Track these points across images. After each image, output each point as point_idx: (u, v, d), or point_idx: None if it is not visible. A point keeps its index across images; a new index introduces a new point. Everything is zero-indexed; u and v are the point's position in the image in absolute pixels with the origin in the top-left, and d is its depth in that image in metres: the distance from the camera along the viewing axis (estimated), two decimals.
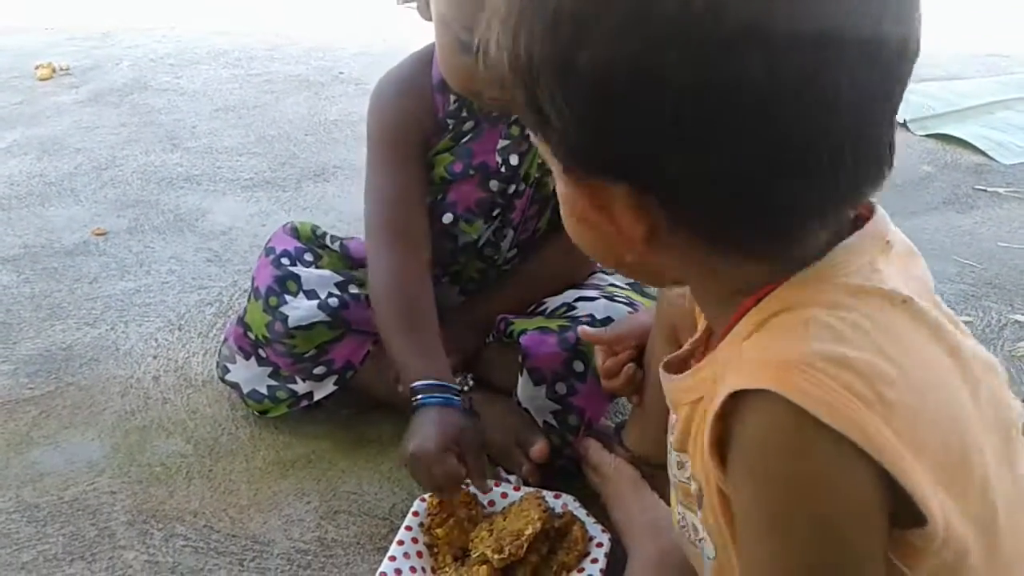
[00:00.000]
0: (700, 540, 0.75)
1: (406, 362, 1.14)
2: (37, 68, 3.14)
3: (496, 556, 0.98)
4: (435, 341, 1.16)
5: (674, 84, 0.51)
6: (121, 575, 1.08)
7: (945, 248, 1.86)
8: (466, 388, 1.27)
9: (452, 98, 1.21)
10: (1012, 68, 3.14)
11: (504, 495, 1.10)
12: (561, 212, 0.66)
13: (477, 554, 1.00)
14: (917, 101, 2.65)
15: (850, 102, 0.52)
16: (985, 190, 2.17)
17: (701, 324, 0.77)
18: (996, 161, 2.34)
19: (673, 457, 0.75)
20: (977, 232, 1.95)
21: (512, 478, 1.17)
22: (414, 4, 1.14)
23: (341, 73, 3.16)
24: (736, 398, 0.55)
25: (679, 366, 0.74)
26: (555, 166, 0.62)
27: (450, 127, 1.23)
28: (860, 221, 0.62)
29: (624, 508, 1.05)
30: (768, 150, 0.52)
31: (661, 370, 0.74)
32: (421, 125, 1.22)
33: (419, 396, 1.09)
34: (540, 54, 0.54)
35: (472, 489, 1.09)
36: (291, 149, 2.46)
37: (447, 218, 1.27)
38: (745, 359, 0.57)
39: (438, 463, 1.03)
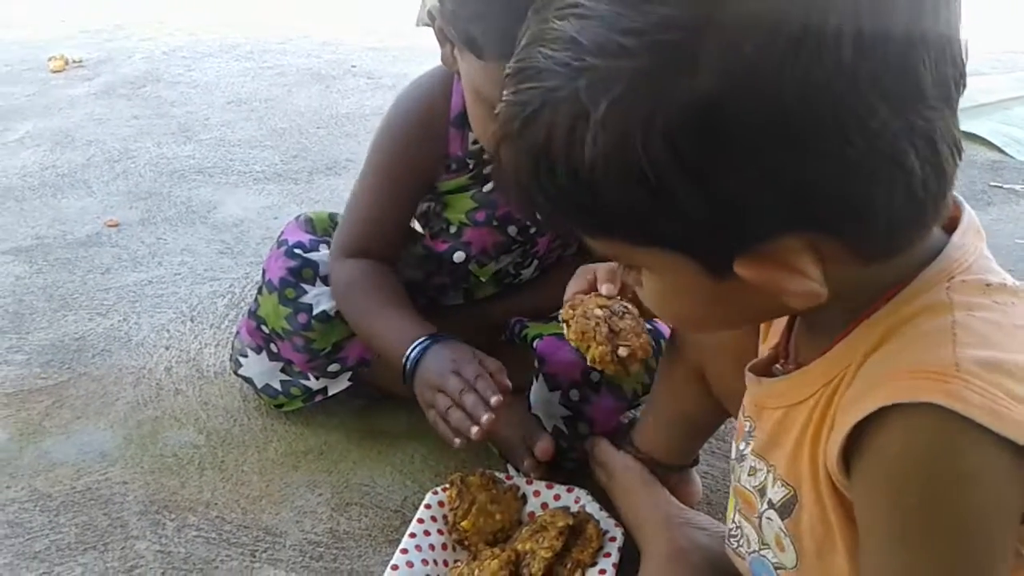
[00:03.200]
0: (753, 553, 0.74)
1: (394, 333, 1.12)
2: (50, 60, 3.15)
3: None
4: (416, 314, 1.15)
5: (845, 100, 0.49)
6: (133, 565, 1.08)
7: None
8: None
9: (472, 137, 1.14)
10: None
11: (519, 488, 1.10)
12: (684, 325, 0.65)
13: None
14: None
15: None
16: (1001, 187, 2.16)
17: (768, 335, 0.76)
18: (1012, 157, 2.32)
19: (747, 463, 0.74)
20: (993, 229, 1.94)
21: (516, 474, 1.16)
22: (431, 26, 1.02)
23: (353, 67, 3.16)
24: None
25: (763, 369, 0.73)
26: (688, 271, 0.56)
27: (470, 167, 1.18)
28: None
29: (635, 505, 1.05)
30: (901, 130, 0.52)
31: (748, 372, 0.73)
32: (430, 166, 1.18)
33: (415, 348, 1.08)
34: (682, 133, 0.48)
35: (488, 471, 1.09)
36: (303, 142, 2.46)
37: (459, 256, 1.24)
38: (891, 370, 0.55)
39: (466, 367, 1.03)
